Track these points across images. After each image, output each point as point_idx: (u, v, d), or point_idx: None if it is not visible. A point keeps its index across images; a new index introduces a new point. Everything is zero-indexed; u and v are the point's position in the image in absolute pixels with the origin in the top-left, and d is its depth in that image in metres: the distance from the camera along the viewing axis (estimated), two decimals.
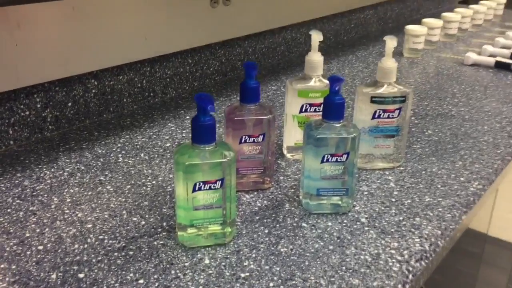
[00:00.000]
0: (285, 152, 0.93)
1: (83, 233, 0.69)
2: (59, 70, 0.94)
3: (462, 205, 0.77)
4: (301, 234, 0.70)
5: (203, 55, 1.24)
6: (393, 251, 0.67)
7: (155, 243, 0.67)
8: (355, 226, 0.72)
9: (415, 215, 0.75)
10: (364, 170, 0.87)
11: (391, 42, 0.81)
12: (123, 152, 0.92)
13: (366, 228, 0.71)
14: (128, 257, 0.64)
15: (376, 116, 0.84)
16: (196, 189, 0.63)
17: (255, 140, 0.77)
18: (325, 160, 0.71)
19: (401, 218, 0.74)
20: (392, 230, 0.71)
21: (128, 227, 0.70)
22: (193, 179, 0.63)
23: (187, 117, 1.08)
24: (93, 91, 1.02)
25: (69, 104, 0.99)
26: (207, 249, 0.66)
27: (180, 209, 0.65)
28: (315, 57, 0.86)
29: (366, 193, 0.80)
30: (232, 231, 0.67)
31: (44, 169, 0.85)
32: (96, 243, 0.67)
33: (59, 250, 0.65)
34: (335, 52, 1.62)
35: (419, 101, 1.21)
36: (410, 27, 1.59)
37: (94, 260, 0.63)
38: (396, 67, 0.83)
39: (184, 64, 1.20)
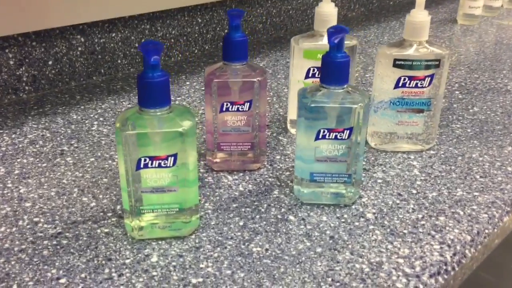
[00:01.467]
0: (288, 126, 0.76)
1: (17, 213, 0.56)
2: (35, 21, 0.81)
3: (505, 203, 0.59)
4: (284, 230, 0.54)
5: (216, 13, 1.09)
6: (400, 260, 0.50)
7: (98, 231, 0.54)
8: (356, 223, 0.55)
9: (439, 213, 0.57)
10: (383, 152, 0.70)
11: None
12: (100, 119, 0.79)
13: (371, 227, 0.55)
14: (58, 247, 0.51)
15: (400, 85, 0.66)
16: (141, 166, 0.49)
17: (240, 109, 0.62)
18: (320, 137, 0.55)
19: (420, 215, 0.57)
20: (405, 231, 0.54)
21: (73, 209, 0.57)
22: (136, 153, 0.49)
23: (187, 83, 0.94)
24: (79, 49, 0.90)
25: (50, 62, 0.87)
26: (161, 242, 0.52)
27: (123, 192, 0.51)
28: (327, 8, 0.68)
29: (380, 181, 0.63)
30: (191, 221, 0.53)
31: (5, 135, 0.73)
32: (28, 226, 0.54)
33: None
34: (377, 18, 1.42)
35: (468, 73, 1.01)
36: None
37: (16, 249, 0.51)
38: (429, 21, 0.65)
39: (192, 23, 1.05)
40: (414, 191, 0.61)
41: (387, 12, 1.49)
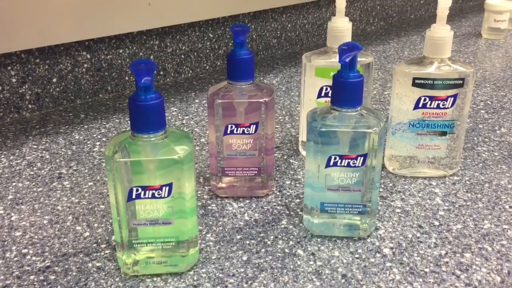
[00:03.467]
0: (300, 148, 0.72)
1: (5, 243, 0.53)
2: (39, 37, 0.78)
3: None
4: (291, 267, 0.49)
5: (228, 28, 1.05)
6: None
7: (89, 264, 0.50)
8: (372, 260, 0.50)
9: (465, 248, 0.52)
10: (401, 178, 0.65)
11: (443, 1, 0.58)
12: (103, 139, 0.75)
13: (388, 264, 0.49)
14: (45, 283, 0.47)
15: (420, 105, 0.61)
16: (133, 197, 0.45)
17: (245, 131, 0.57)
18: (331, 164, 0.50)
19: (443, 252, 0.51)
20: (426, 270, 0.49)
21: (65, 239, 0.53)
22: (127, 182, 0.44)
23: (196, 101, 0.90)
24: (85, 65, 0.87)
25: (54, 80, 0.84)
26: (156, 279, 0.48)
27: (114, 223, 0.47)
28: (340, 23, 0.64)
29: (398, 210, 0.58)
30: (190, 255, 0.48)
31: (2, 156, 0.70)
32: (15, 259, 0.50)
33: None
34: (397, 32, 1.37)
35: (494, 90, 0.95)
36: (491, 2, 1.30)
37: (0, 284, 0.47)
38: (452, 37, 0.59)
39: (203, 38, 1.02)
40: (437, 223, 0.56)
41: (408, 26, 1.44)
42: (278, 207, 0.59)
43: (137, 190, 0.44)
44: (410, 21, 1.49)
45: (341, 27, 0.63)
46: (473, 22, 1.47)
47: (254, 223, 0.56)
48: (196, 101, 0.90)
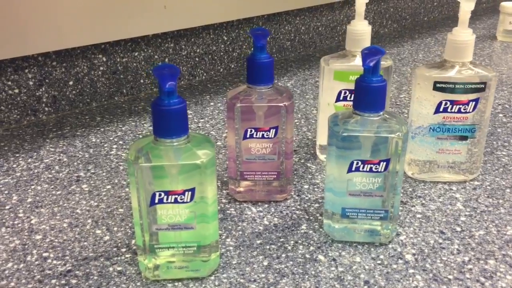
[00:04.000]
0: (318, 152, 0.71)
1: (26, 247, 0.53)
2: (55, 40, 0.79)
3: None
4: (312, 272, 0.49)
5: (242, 31, 1.05)
6: None
7: (110, 269, 0.50)
8: (394, 266, 0.50)
9: (488, 255, 0.51)
10: (421, 183, 0.64)
11: (466, 4, 0.57)
12: (120, 142, 0.75)
13: (411, 271, 0.49)
14: (67, 287, 0.47)
15: (441, 110, 0.60)
16: (156, 201, 0.45)
17: (265, 135, 0.57)
18: (353, 169, 0.50)
19: (466, 258, 0.50)
20: (450, 277, 0.48)
21: (86, 243, 0.53)
22: (150, 187, 0.44)
23: (211, 104, 0.90)
24: (101, 68, 0.87)
25: (70, 82, 0.84)
26: (177, 284, 0.48)
27: (136, 226, 0.47)
28: (360, 26, 0.63)
29: (419, 215, 0.58)
30: (211, 260, 0.48)
31: (20, 159, 0.70)
32: (36, 262, 0.50)
33: None
34: (411, 34, 1.36)
35: (511, 94, 0.94)
36: (506, 4, 1.29)
37: None
38: (474, 40, 0.59)
39: (217, 41, 1.02)
40: (459, 229, 0.55)
41: (421, 28, 1.43)
42: (297, 212, 0.59)
43: (159, 195, 0.44)
44: (423, 23, 1.48)
45: (360, 30, 0.63)
46: (487, 25, 1.46)
47: (273, 227, 0.56)
48: (211, 104, 0.90)
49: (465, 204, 0.60)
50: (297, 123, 0.81)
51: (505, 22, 1.29)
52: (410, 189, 0.63)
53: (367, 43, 0.64)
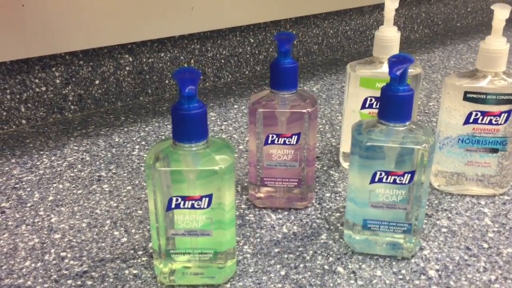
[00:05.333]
0: (341, 160, 0.70)
1: (44, 245, 0.53)
2: (82, 39, 0.79)
3: None
4: (331, 285, 0.48)
5: (269, 33, 1.04)
6: None
7: (126, 271, 0.49)
8: (416, 282, 0.48)
9: None
10: (448, 195, 0.62)
11: (501, 12, 0.55)
12: (142, 143, 0.75)
13: None
14: None
15: (471, 121, 0.58)
16: (172, 206, 0.44)
17: (287, 142, 0.56)
18: (376, 180, 0.48)
19: (492, 277, 0.48)
20: None
21: (103, 244, 0.53)
22: (167, 192, 0.44)
23: (235, 106, 0.89)
24: (127, 68, 0.87)
25: (96, 82, 0.85)
26: None
27: (153, 230, 0.46)
28: (389, 33, 0.62)
29: (445, 230, 0.56)
30: (227, 267, 0.47)
31: (44, 157, 0.71)
32: (53, 262, 0.51)
33: (4, 267, 0.50)
34: (442, 40, 1.33)
35: None
36: None
37: (38, 287, 0.47)
38: (508, 50, 0.57)
39: (244, 43, 1.01)
40: (486, 245, 0.53)
41: (454, 34, 1.39)
42: (317, 221, 0.57)
43: (176, 200, 0.44)
44: (456, 29, 1.45)
45: (389, 37, 0.61)
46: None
47: (292, 236, 0.55)
48: (235, 106, 0.89)
49: (494, 219, 0.57)
50: (321, 129, 0.80)
51: None
52: (436, 202, 0.61)
53: (395, 50, 0.62)
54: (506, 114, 0.57)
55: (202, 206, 0.44)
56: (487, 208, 0.59)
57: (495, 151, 0.59)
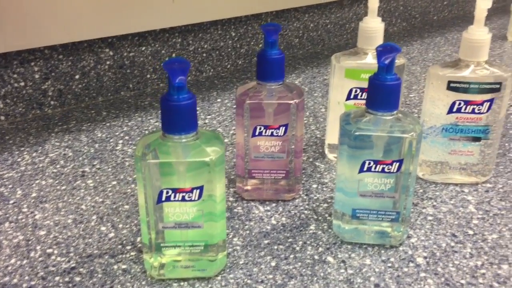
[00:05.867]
0: (326, 151, 0.70)
1: (29, 242, 0.52)
2: (62, 33, 0.78)
3: None
4: (321, 274, 0.48)
5: (250, 27, 1.04)
6: None
7: (115, 266, 0.49)
8: (405, 269, 0.48)
9: (501, 260, 0.50)
10: (432, 184, 0.63)
11: (483, 2, 0.56)
12: (126, 138, 0.74)
13: (422, 275, 0.48)
14: (70, 285, 0.46)
15: (454, 110, 0.59)
16: (163, 199, 0.44)
17: (274, 133, 0.56)
18: (365, 169, 0.48)
19: (479, 262, 0.49)
20: (463, 281, 0.47)
21: (90, 240, 0.52)
22: (157, 184, 0.43)
23: (218, 100, 0.89)
24: (108, 62, 0.86)
25: (76, 76, 0.83)
26: (182, 284, 0.47)
27: (143, 224, 0.46)
28: (373, 23, 0.62)
29: (430, 218, 0.56)
30: (218, 260, 0.47)
31: (25, 153, 0.69)
32: (40, 259, 0.50)
33: None
34: (420, 33, 1.35)
35: None
36: None
37: (25, 285, 0.46)
38: (490, 39, 0.58)
39: (225, 37, 1.01)
40: (471, 232, 0.54)
41: (431, 27, 1.41)
42: (305, 212, 0.57)
43: (167, 192, 0.43)
44: (433, 23, 1.47)
45: (373, 28, 0.62)
46: (497, 25, 1.44)
47: (281, 227, 0.55)
48: (218, 100, 0.89)
49: (478, 207, 0.58)
50: (305, 121, 0.80)
51: None
52: (421, 191, 0.61)
53: (379, 40, 0.62)
54: (488, 103, 0.58)
55: (193, 198, 0.44)
56: (470, 196, 0.60)
57: (477, 139, 0.60)
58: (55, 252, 0.50)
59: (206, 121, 0.81)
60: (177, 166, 0.44)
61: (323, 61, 1.09)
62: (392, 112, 0.48)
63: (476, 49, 0.57)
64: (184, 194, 0.43)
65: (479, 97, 0.58)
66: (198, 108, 0.85)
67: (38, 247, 0.51)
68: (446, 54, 1.17)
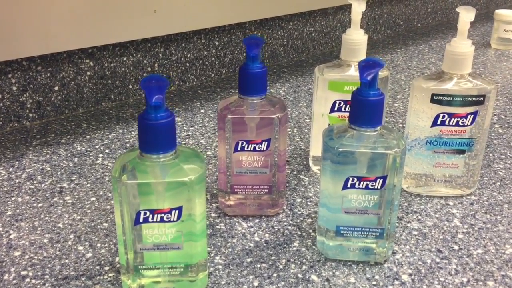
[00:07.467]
0: (310, 163, 0.69)
1: (3, 264, 0.50)
2: (40, 44, 0.76)
3: None
4: None
5: (234, 36, 1.03)
6: None
7: None
8: (390, 287, 0.48)
9: (487, 276, 0.49)
10: (417, 197, 0.62)
11: (466, 15, 0.55)
12: (106, 151, 0.73)
13: None
14: None
15: (438, 123, 0.58)
16: (140, 220, 0.42)
17: (257, 148, 0.55)
18: (349, 186, 0.47)
19: (464, 279, 0.49)
20: None
21: (67, 260, 0.51)
22: (135, 203, 0.42)
23: (202, 111, 0.87)
24: (88, 73, 0.84)
25: (56, 88, 0.81)
26: None
27: (120, 244, 0.44)
28: (356, 36, 0.61)
29: (415, 232, 0.56)
30: (198, 280, 0.46)
31: (1, 168, 0.67)
32: (14, 282, 0.48)
33: None
34: (404, 41, 1.35)
35: (507, 103, 0.93)
36: (500, 12, 1.28)
37: None
38: (473, 52, 0.57)
39: (209, 46, 0.99)
40: (456, 247, 0.53)
41: (415, 34, 1.42)
42: (289, 227, 0.56)
43: (144, 214, 0.42)
44: (417, 30, 1.47)
45: (356, 40, 0.61)
46: (481, 32, 1.45)
47: (264, 244, 0.54)
48: (202, 111, 0.88)
49: (462, 220, 0.58)
50: (289, 132, 0.79)
51: (499, 30, 1.28)
52: (405, 204, 0.61)
53: (363, 52, 0.62)
54: (472, 116, 0.58)
55: (171, 219, 0.42)
56: (455, 209, 0.60)
57: (462, 152, 0.60)
58: (30, 274, 0.49)
59: (189, 132, 0.79)
60: (155, 186, 0.42)
61: (307, 70, 1.08)
62: (376, 128, 0.47)
63: (460, 62, 0.57)
64: (162, 215, 0.42)
65: (463, 110, 0.58)
66: (181, 119, 0.84)
67: (12, 269, 0.49)
68: (430, 62, 1.17)
